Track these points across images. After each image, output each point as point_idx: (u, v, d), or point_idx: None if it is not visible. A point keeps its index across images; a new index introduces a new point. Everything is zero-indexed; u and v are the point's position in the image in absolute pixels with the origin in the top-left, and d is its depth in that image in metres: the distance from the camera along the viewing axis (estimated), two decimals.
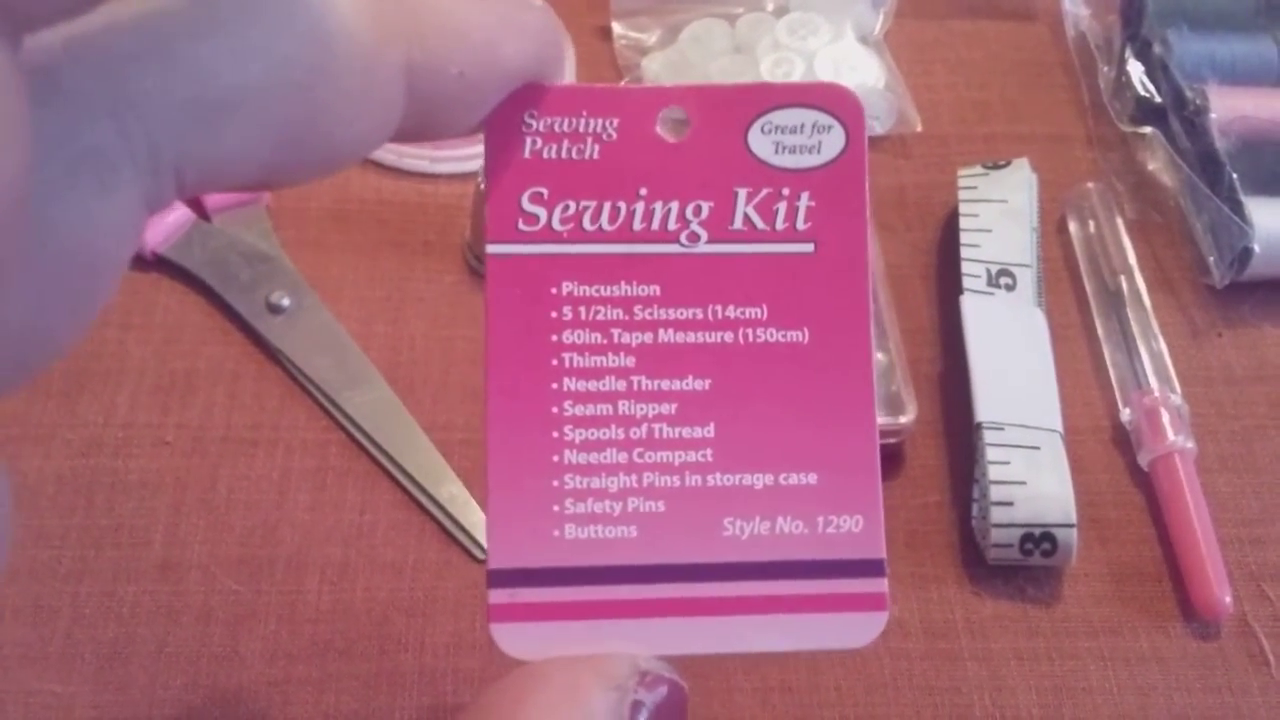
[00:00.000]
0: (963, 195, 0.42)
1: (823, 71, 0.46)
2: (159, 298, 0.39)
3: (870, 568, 0.22)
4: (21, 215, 0.15)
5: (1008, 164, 0.43)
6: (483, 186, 0.40)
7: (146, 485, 0.36)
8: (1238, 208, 0.41)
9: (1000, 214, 0.41)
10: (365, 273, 0.41)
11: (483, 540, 0.35)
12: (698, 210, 0.23)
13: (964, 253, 0.40)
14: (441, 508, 0.35)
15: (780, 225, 0.23)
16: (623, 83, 0.47)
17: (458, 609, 0.34)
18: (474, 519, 0.35)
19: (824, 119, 0.23)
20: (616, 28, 0.48)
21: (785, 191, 0.23)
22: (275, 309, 0.39)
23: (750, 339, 0.23)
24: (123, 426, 0.37)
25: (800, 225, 0.23)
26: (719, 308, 0.23)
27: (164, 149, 0.17)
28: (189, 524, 0.35)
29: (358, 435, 0.37)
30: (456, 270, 0.41)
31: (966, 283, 0.39)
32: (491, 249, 0.22)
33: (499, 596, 0.22)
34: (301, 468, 0.36)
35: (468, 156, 0.43)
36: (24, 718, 0.31)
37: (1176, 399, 0.38)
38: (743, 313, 0.23)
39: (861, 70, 0.46)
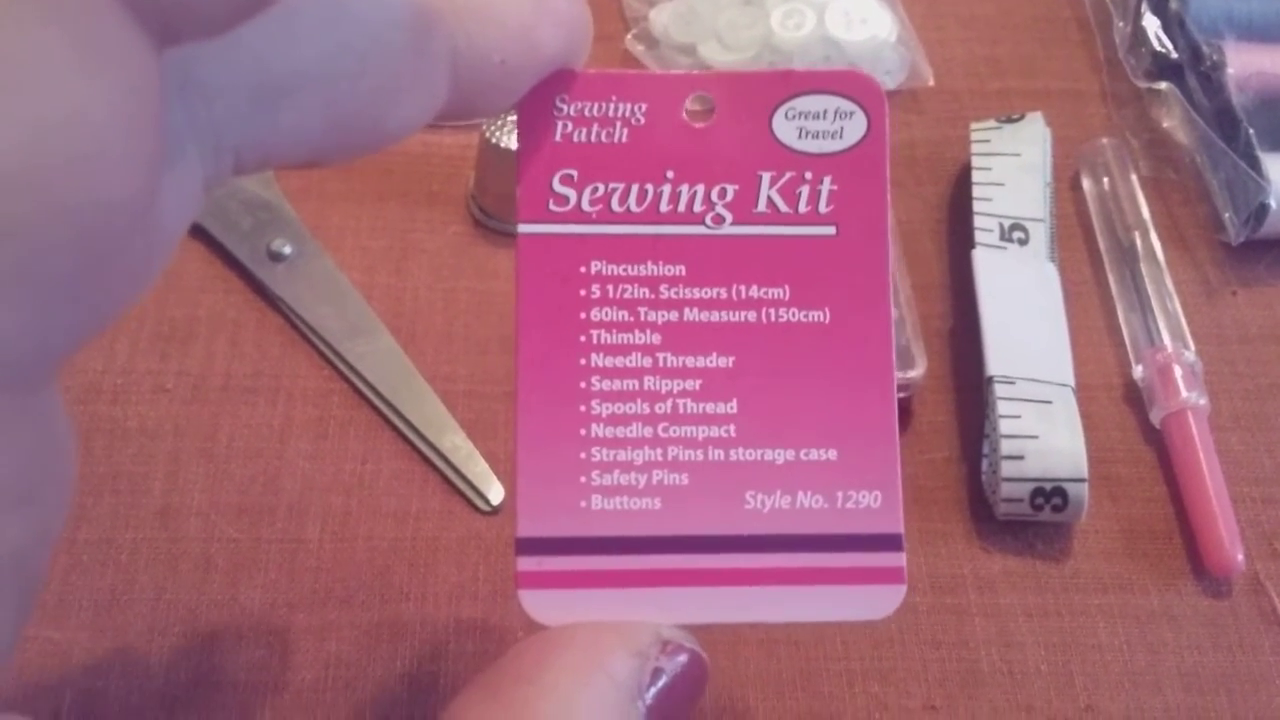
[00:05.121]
0: (976, 149, 0.41)
1: (834, 24, 0.45)
2: None
3: (888, 542, 0.23)
4: (150, 214, 0.16)
5: (1022, 118, 0.42)
6: (489, 138, 0.39)
7: (146, 432, 0.35)
8: (1254, 164, 0.41)
9: (1014, 168, 0.40)
10: (368, 222, 0.40)
11: (484, 490, 0.34)
12: (723, 193, 0.23)
13: (976, 206, 0.39)
14: (444, 458, 0.35)
15: (803, 208, 0.23)
16: (629, 35, 0.46)
17: (460, 559, 0.34)
18: (476, 469, 0.35)
19: (846, 105, 0.23)
20: None
21: (808, 175, 0.23)
22: (276, 257, 0.38)
23: (773, 318, 0.23)
24: (122, 373, 0.36)
25: (822, 209, 0.23)
26: (742, 288, 0.23)
27: (227, 132, 0.18)
28: (188, 471, 0.35)
29: (360, 385, 0.36)
30: (460, 221, 0.41)
31: (979, 236, 0.39)
32: (522, 228, 0.23)
33: (527, 564, 0.22)
34: (303, 416, 0.36)
35: None
36: (21, 664, 0.31)
37: (1190, 356, 0.37)
38: (766, 293, 0.23)
39: (873, 23, 0.45)
